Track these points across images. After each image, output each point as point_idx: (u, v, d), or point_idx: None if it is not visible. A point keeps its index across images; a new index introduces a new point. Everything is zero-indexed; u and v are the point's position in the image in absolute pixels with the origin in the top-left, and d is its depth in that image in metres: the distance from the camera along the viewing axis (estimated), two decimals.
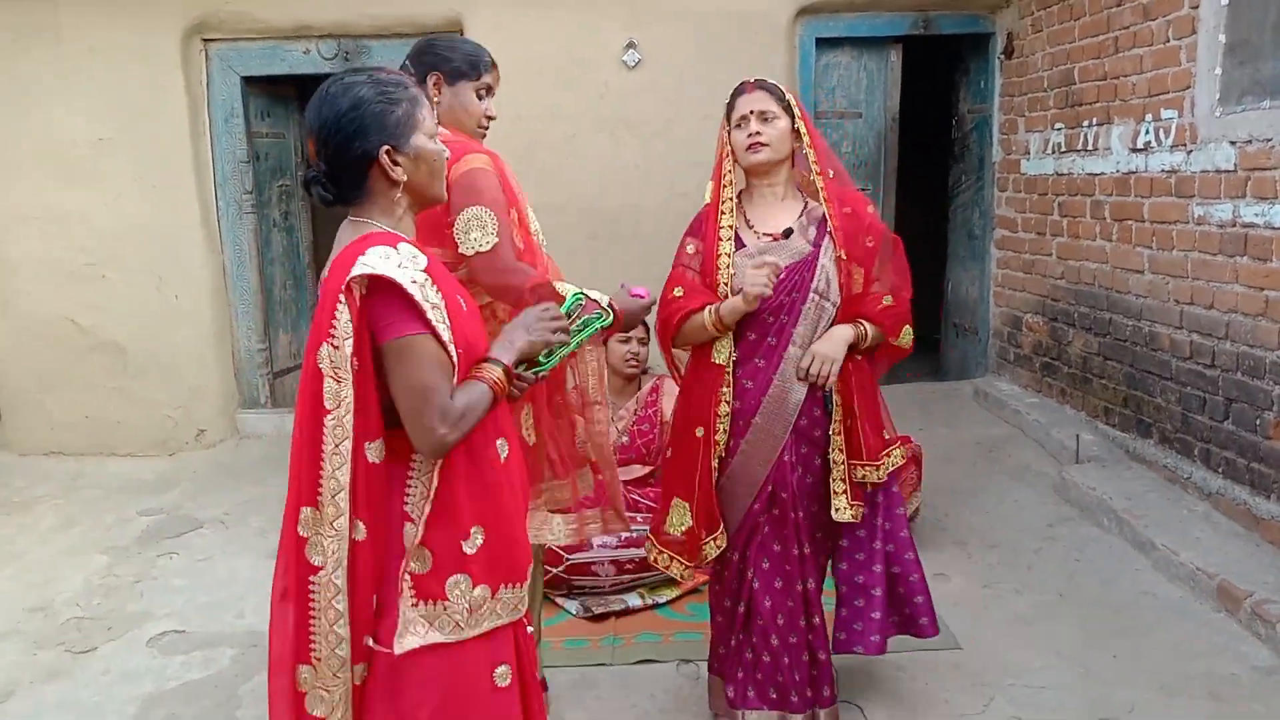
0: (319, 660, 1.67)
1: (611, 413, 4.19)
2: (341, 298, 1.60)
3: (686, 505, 2.62)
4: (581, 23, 5.55)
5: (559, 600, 3.61)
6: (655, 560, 2.73)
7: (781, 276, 2.49)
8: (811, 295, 2.52)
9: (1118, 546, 3.92)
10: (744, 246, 2.57)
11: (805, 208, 2.61)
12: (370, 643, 1.73)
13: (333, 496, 1.64)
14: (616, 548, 3.57)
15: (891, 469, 2.65)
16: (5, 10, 5.35)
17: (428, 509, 1.70)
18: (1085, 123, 4.90)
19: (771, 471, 2.57)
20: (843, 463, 2.58)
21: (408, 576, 1.70)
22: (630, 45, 5.57)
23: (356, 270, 1.60)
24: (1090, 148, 4.86)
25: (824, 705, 2.67)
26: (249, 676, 3.23)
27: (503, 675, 1.80)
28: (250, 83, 5.69)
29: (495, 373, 1.75)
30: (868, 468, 2.60)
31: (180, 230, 5.58)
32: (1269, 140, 3.61)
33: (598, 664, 3.22)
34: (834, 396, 2.58)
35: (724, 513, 2.62)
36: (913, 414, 5.44)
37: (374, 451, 1.68)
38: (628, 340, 4.10)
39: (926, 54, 6.34)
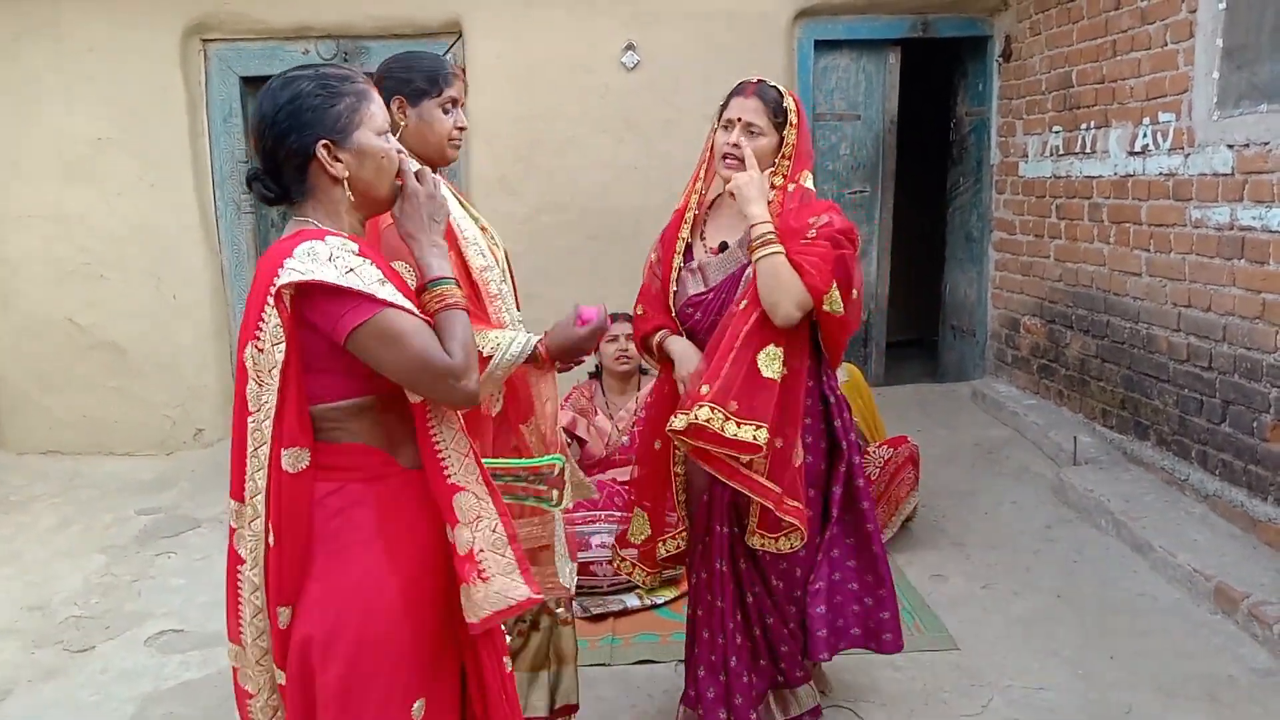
0: (245, 644, 1.73)
1: (611, 413, 4.21)
2: (270, 301, 1.56)
3: (644, 515, 2.71)
4: (581, 24, 5.56)
5: None
6: (619, 568, 2.83)
7: (710, 299, 2.52)
8: (732, 307, 2.46)
9: (1115, 548, 3.93)
10: (691, 260, 2.59)
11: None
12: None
13: (251, 498, 1.64)
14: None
15: (786, 550, 2.53)
16: (5, 10, 5.35)
17: (480, 476, 1.69)
18: (1083, 126, 4.91)
19: (710, 483, 2.57)
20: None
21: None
22: (629, 47, 5.57)
23: (283, 279, 1.54)
24: (1088, 150, 4.87)
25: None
26: None
27: (418, 709, 1.69)
28: (249, 83, 5.69)
29: (456, 291, 1.68)
30: (762, 537, 2.52)
31: (179, 230, 5.58)
32: (1266, 144, 3.62)
33: (597, 664, 3.23)
34: None
35: (689, 522, 2.69)
36: (911, 415, 5.45)
37: (289, 459, 1.61)
38: (615, 339, 4.10)
39: (925, 57, 6.35)
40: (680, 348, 2.55)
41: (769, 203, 2.47)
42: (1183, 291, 4.15)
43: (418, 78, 2.44)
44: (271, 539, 1.64)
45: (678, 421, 2.36)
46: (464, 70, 2.68)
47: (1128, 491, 4.18)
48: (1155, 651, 3.17)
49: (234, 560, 1.70)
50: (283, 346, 1.56)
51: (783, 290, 2.36)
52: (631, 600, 3.58)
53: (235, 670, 1.76)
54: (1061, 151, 5.14)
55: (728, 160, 2.47)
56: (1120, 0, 4.54)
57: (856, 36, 5.80)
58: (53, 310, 5.56)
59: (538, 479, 2.07)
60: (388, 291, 1.58)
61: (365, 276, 1.57)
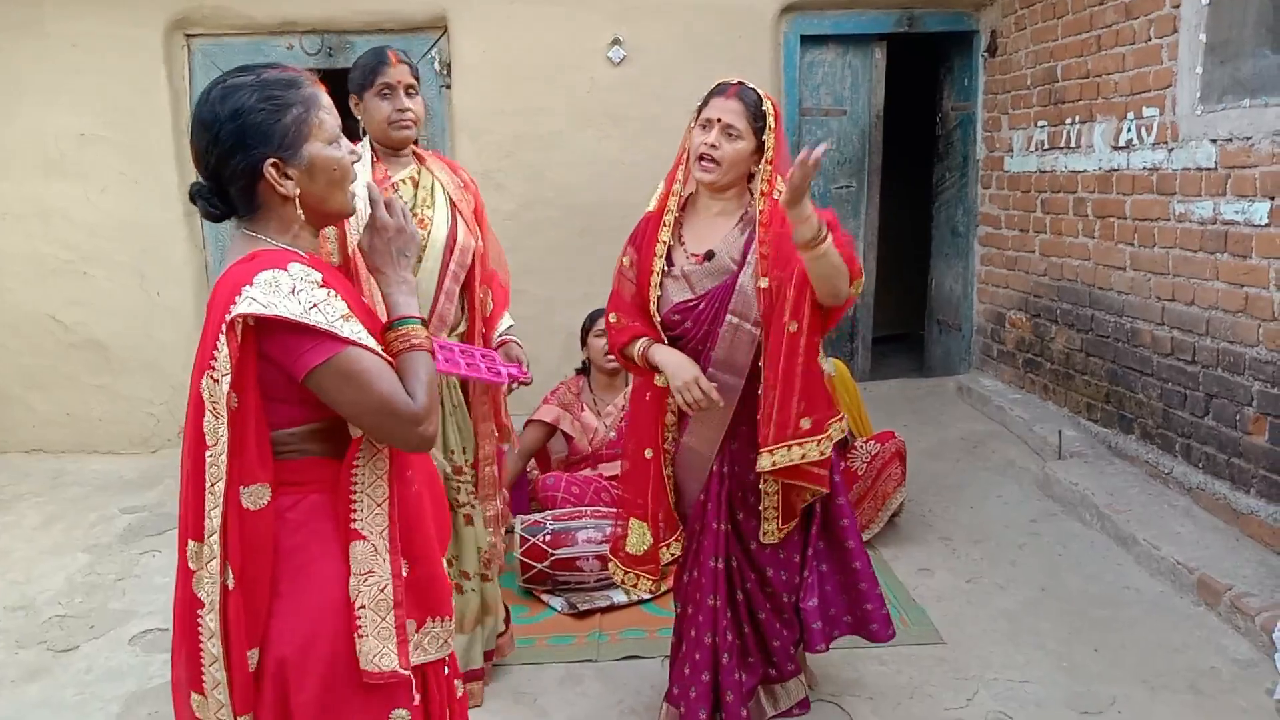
0: (207, 693, 1.58)
1: (599, 409, 4.21)
2: (223, 331, 1.46)
3: (644, 525, 2.65)
4: (567, 19, 5.54)
5: (544, 597, 3.61)
6: (622, 580, 2.75)
7: (700, 307, 2.50)
8: (728, 318, 2.47)
9: (1100, 541, 3.95)
10: (673, 266, 2.53)
11: (742, 216, 2.53)
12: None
13: (209, 537, 1.52)
14: (601, 543, 3.56)
15: (811, 459, 2.44)
16: None
17: (387, 531, 1.59)
18: (1068, 120, 4.93)
19: (706, 483, 2.60)
20: (775, 493, 2.56)
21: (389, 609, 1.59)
22: (615, 41, 5.56)
23: (240, 308, 1.45)
24: (1073, 145, 4.89)
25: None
26: None
27: (398, 718, 1.64)
28: None
29: (420, 332, 1.61)
30: (779, 448, 2.44)
31: (163, 227, 5.54)
32: (1249, 139, 3.64)
33: (583, 660, 3.23)
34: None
35: (682, 524, 2.69)
36: (897, 410, 5.47)
37: (250, 497, 1.53)
38: (603, 335, 4.08)
39: (911, 51, 6.36)
40: (670, 358, 2.49)
41: (760, 211, 2.47)
42: (1166, 285, 4.17)
43: (357, 72, 2.75)
44: (230, 581, 1.53)
45: (776, 458, 2.42)
46: (407, 60, 2.77)
47: (1112, 485, 4.21)
48: (1139, 644, 3.19)
49: (191, 604, 1.56)
50: (229, 379, 1.47)
51: (840, 277, 2.35)
52: (618, 596, 3.58)
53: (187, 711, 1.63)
54: (1046, 146, 5.15)
55: (703, 162, 2.44)
56: None
57: (842, 31, 5.80)
58: (35, 308, 5.52)
59: None
60: (350, 329, 1.50)
61: (329, 312, 1.49)
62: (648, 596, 3.56)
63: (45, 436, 5.61)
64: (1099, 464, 4.46)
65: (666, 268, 2.54)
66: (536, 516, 3.70)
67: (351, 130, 1.94)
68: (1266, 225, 3.57)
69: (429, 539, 1.68)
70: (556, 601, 3.58)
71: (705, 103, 2.48)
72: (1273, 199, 3.54)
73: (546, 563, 3.54)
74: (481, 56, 5.56)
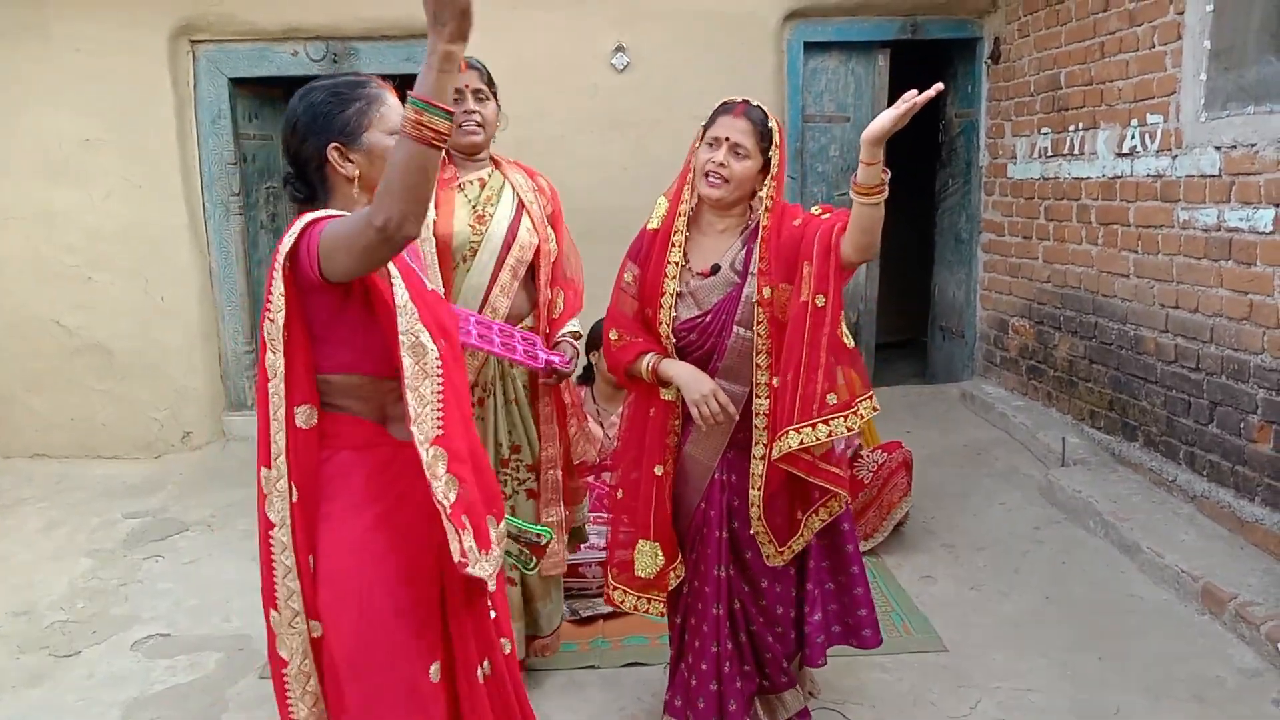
0: (280, 608, 1.79)
1: (602, 419, 4.20)
2: (278, 270, 1.69)
3: (657, 545, 2.59)
4: (571, 25, 5.55)
5: None
6: (634, 607, 2.69)
7: (708, 321, 2.49)
8: (736, 329, 2.48)
9: (1103, 549, 3.94)
10: (679, 282, 2.53)
11: (744, 229, 2.54)
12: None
13: (275, 459, 1.75)
14: (604, 549, 3.56)
15: (837, 434, 2.39)
16: None
17: (434, 434, 1.73)
18: (1071, 127, 4.93)
19: (706, 491, 2.59)
20: (759, 516, 2.53)
21: (445, 502, 1.74)
22: (619, 48, 5.57)
23: (287, 240, 1.69)
24: (1076, 152, 4.89)
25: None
26: (235, 680, 3.22)
27: (434, 671, 1.82)
28: (238, 84, 5.67)
29: (413, 116, 1.53)
30: (801, 429, 2.38)
31: (167, 232, 5.55)
32: (1253, 145, 3.63)
33: (586, 666, 3.23)
34: (757, 418, 2.50)
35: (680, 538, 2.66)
36: (900, 417, 5.46)
37: (302, 416, 1.76)
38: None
39: (914, 58, 6.35)
40: (684, 371, 2.49)
41: (763, 227, 2.47)
42: (1170, 293, 4.16)
43: None
44: (295, 495, 1.76)
45: (803, 436, 2.37)
46: (478, 65, 2.85)
47: (1116, 492, 4.19)
48: (1143, 652, 3.18)
49: (265, 525, 1.78)
50: (283, 314, 1.69)
51: (878, 230, 2.39)
52: None
53: (274, 638, 1.82)
54: (1050, 153, 5.15)
55: (710, 178, 2.44)
56: (1108, 2, 4.56)
57: (846, 38, 5.80)
58: (39, 312, 5.53)
59: (525, 542, 2.16)
60: None
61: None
62: None
63: (48, 441, 5.62)
64: (1102, 471, 4.45)
65: (676, 282, 2.51)
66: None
67: None
68: (1271, 232, 3.56)
69: (479, 451, 1.88)
70: None
71: (712, 121, 2.47)
72: (1277, 206, 3.53)
73: None
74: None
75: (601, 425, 4.19)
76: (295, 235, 1.70)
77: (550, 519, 2.99)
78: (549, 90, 5.58)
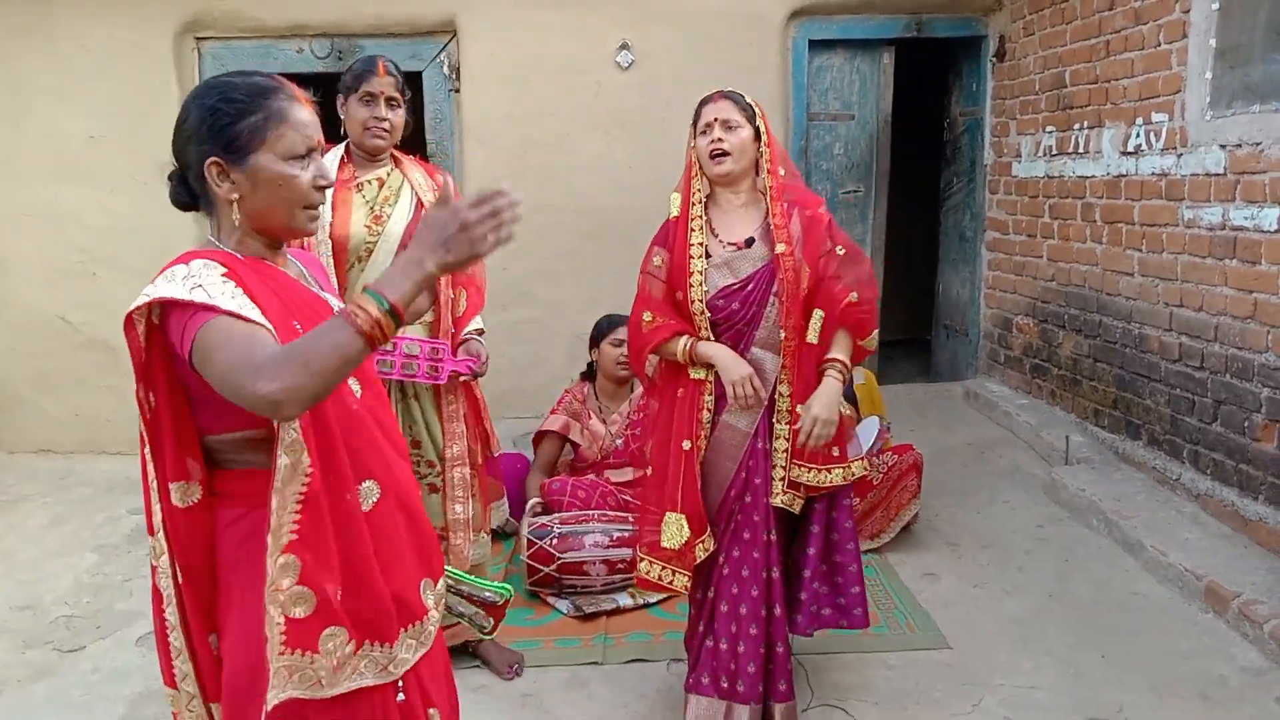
0: (179, 686, 1.62)
1: (605, 416, 4.21)
2: (136, 329, 1.47)
3: (683, 518, 2.65)
4: (575, 23, 5.55)
5: (550, 600, 3.61)
6: (659, 578, 2.72)
7: (749, 289, 2.63)
8: (772, 300, 2.63)
9: (1107, 547, 3.93)
10: (710, 256, 2.66)
11: (766, 213, 2.68)
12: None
13: (157, 533, 1.56)
14: (608, 547, 3.57)
15: (835, 484, 2.69)
16: None
17: (287, 541, 1.47)
18: (1076, 126, 4.92)
19: (745, 459, 2.67)
20: (785, 450, 2.67)
21: (281, 620, 1.48)
22: (624, 46, 5.57)
23: (135, 301, 1.45)
24: (1081, 150, 4.88)
25: (779, 700, 2.71)
26: None
27: None
28: None
29: (366, 305, 1.36)
30: (806, 469, 2.66)
31: (172, 229, 5.50)
32: (1258, 144, 3.63)
33: (589, 663, 3.23)
34: (780, 386, 2.66)
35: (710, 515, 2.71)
36: (904, 415, 5.46)
37: (178, 494, 1.53)
38: (621, 343, 4.10)
39: (919, 57, 6.35)
40: (723, 352, 2.63)
41: (770, 187, 2.66)
42: (1175, 291, 4.15)
43: (348, 75, 2.87)
44: (179, 575, 1.56)
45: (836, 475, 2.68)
46: (394, 71, 2.88)
47: (1119, 491, 4.19)
48: (1146, 651, 3.18)
49: (157, 599, 1.61)
50: (142, 380, 1.49)
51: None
52: (624, 599, 3.58)
53: (175, 716, 1.66)
54: (1055, 151, 5.15)
55: (715, 158, 2.61)
56: (1114, 0, 4.55)
57: (851, 36, 5.79)
58: (45, 309, 5.54)
59: (481, 604, 1.89)
60: (234, 304, 1.42)
61: (214, 294, 1.43)
62: (654, 600, 3.58)
63: (53, 437, 5.63)
64: (1106, 470, 4.45)
65: (705, 257, 2.65)
66: (543, 519, 3.69)
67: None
68: (1276, 231, 3.56)
69: (366, 558, 1.57)
70: (563, 604, 3.58)
71: (697, 115, 2.68)
72: None
73: (553, 566, 3.54)
74: (490, 60, 5.57)
75: (604, 422, 4.20)
76: (160, 305, 1.45)
77: (456, 515, 2.98)
78: (553, 89, 5.58)
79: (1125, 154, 4.49)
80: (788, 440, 2.66)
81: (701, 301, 2.63)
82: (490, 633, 1.92)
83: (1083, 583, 3.67)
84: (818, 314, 2.65)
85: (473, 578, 1.89)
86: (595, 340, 4.26)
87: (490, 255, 1.45)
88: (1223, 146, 3.82)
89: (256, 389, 1.33)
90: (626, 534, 3.56)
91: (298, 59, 5.62)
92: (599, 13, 5.55)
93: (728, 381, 2.61)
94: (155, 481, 1.53)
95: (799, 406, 2.62)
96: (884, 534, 4.00)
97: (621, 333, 4.01)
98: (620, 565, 3.56)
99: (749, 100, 2.68)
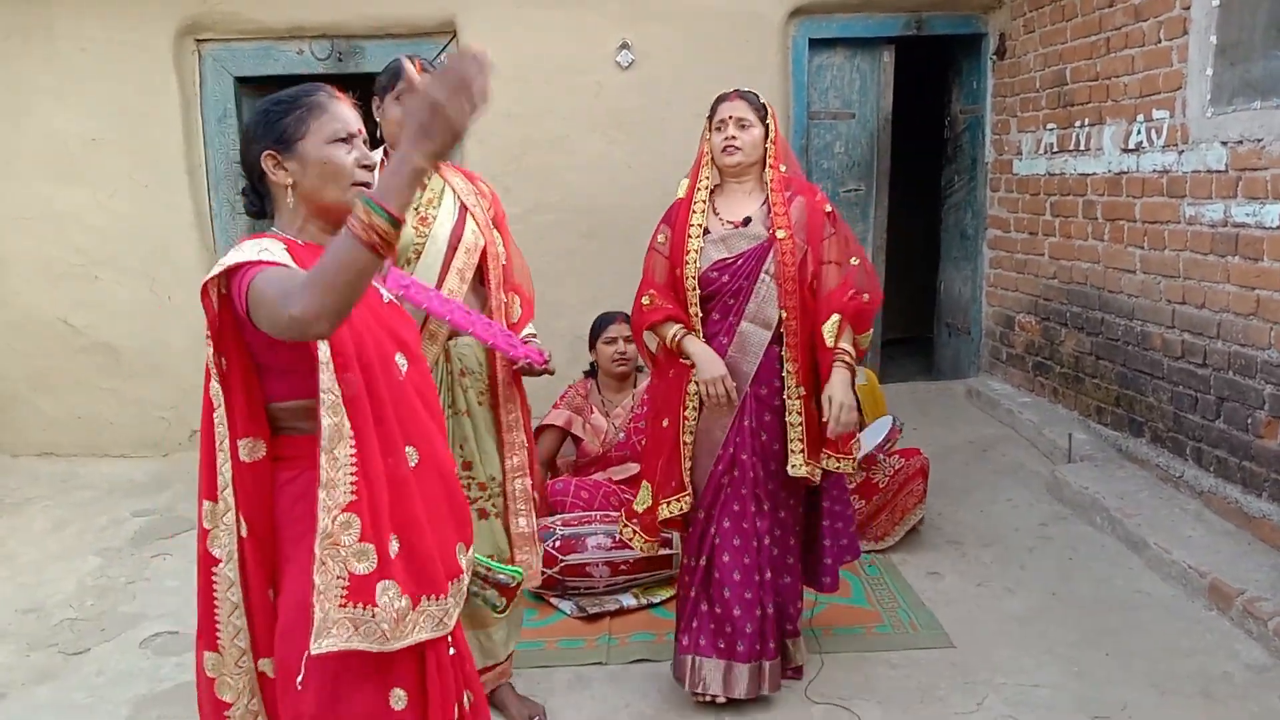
0: (223, 648, 1.73)
1: (607, 410, 4.21)
2: (210, 298, 1.64)
3: (649, 486, 2.95)
4: (575, 23, 5.55)
5: (554, 601, 3.61)
6: (629, 538, 3.02)
7: (739, 263, 2.82)
8: (763, 276, 2.81)
9: (1110, 545, 3.93)
10: (709, 233, 2.86)
11: (767, 200, 2.86)
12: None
13: (222, 491, 1.68)
14: (610, 549, 3.57)
15: (846, 470, 2.90)
16: None
17: (346, 501, 1.62)
18: (1077, 123, 4.92)
19: (731, 434, 2.84)
20: (799, 424, 2.82)
21: (345, 575, 1.61)
22: (624, 45, 5.57)
23: (210, 272, 1.62)
24: (1082, 148, 4.88)
25: (769, 658, 2.88)
26: None
27: (399, 699, 1.71)
28: (243, 83, 5.68)
29: (359, 214, 1.43)
30: (835, 458, 2.86)
31: (173, 230, 5.56)
32: (1260, 141, 3.62)
33: (593, 663, 3.23)
34: (787, 364, 2.82)
35: (693, 477, 2.89)
36: (907, 414, 5.43)
37: (245, 449, 1.69)
38: (614, 341, 4.13)
39: (919, 55, 6.35)
40: (701, 350, 2.81)
41: (771, 179, 2.84)
42: (1177, 288, 4.15)
43: (382, 76, 2.78)
44: (244, 529, 1.70)
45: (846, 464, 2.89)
46: (431, 68, 2.76)
47: (1122, 489, 4.19)
48: (1150, 648, 3.17)
49: (207, 562, 1.72)
50: (214, 343, 1.65)
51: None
52: (628, 600, 3.58)
53: (210, 683, 1.75)
54: (1056, 149, 5.14)
55: (727, 150, 2.82)
56: None
57: (851, 35, 5.79)
58: (46, 311, 5.54)
59: (495, 585, 2.03)
60: (284, 260, 1.61)
61: (276, 256, 1.61)
62: (657, 600, 3.58)
63: (56, 439, 5.63)
64: (1109, 468, 4.45)
65: (704, 235, 2.84)
66: (546, 521, 3.69)
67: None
68: (1277, 228, 3.55)
69: (416, 517, 1.72)
70: (566, 605, 3.58)
71: (713, 111, 2.88)
72: None
73: (556, 568, 3.54)
74: (490, 60, 5.55)
75: (607, 416, 4.20)
76: (226, 271, 1.60)
77: (521, 530, 2.88)
78: (553, 88, 5.58)
79: (1126, 151, 4.49)
80: (801, 415, 2.82)
81: (694, 278, 2.82)
82: (503, 612, 2.06)
83: (1086, 581, 3.67)
84: (835, 318, 2.79)
85: (488, 560, 2.03)
86: (592, 339, 4.28)
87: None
88: (1224, 143, 3.82)
89: (289, 312, 1.46)
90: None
91: (298, 60, 5.62)
92: (599, 12, 5.54)
93: (700, 380, 2.79)
94: (225, 441, 1.67)
95: (823, 398, 2.76)
96: (889, 537, 4.00)
97: (613, 331, 4.13)
98: (623, 567, 3.57)
99: (763, 100, 2.88)
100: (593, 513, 3.75)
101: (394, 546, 1.67)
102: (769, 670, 2.88)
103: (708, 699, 2.87)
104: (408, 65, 2.69)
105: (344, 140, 1.75)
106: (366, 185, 1.74)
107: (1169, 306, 4.21)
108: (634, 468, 3.98)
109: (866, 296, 2.82)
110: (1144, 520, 3.88)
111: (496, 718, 3.09)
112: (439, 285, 2.72)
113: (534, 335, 2.93)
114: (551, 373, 2.86)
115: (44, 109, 5.40)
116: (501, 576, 2.02)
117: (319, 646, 1.59)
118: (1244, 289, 3.74)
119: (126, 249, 5.51)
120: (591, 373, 4.35)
